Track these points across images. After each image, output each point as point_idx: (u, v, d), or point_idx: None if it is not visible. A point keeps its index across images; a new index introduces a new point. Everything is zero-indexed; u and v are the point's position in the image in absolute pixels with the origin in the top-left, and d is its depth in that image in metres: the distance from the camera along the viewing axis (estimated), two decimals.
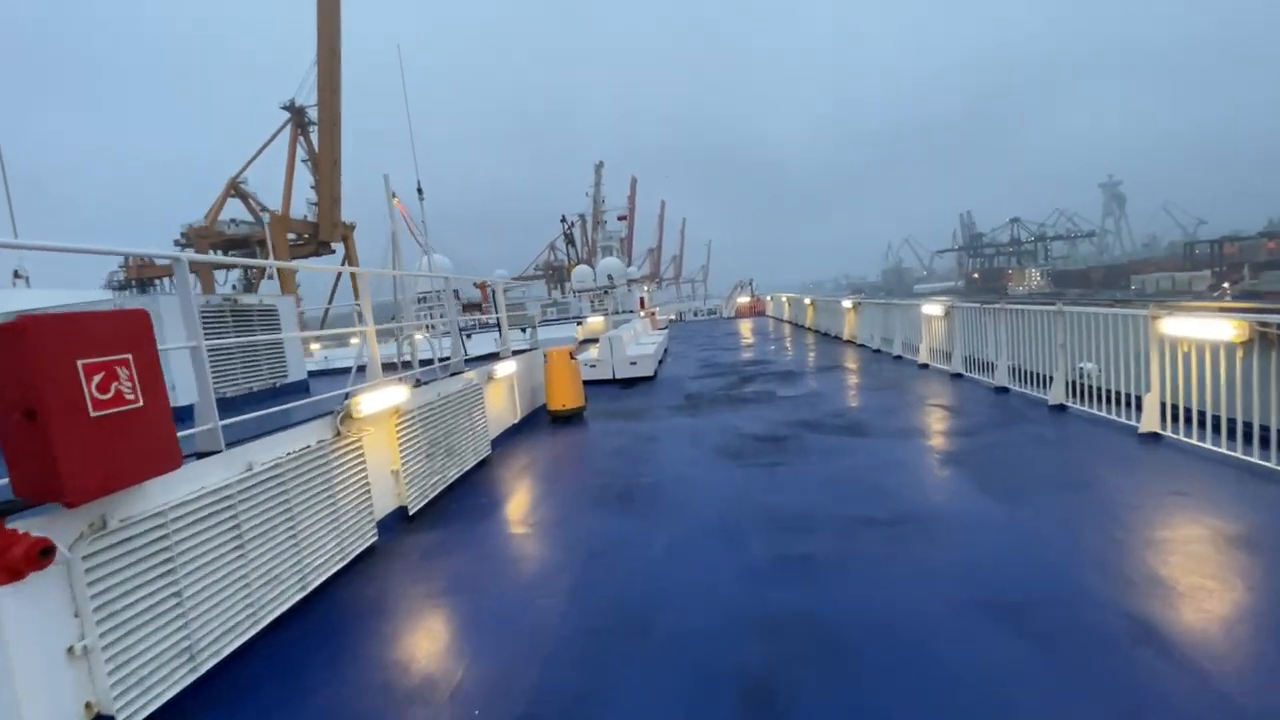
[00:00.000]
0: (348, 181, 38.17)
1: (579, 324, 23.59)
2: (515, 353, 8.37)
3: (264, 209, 39.22)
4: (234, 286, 38.06)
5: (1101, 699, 2.20)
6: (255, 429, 3.52)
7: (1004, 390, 7.59)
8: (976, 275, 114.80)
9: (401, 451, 4.73)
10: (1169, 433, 5.11)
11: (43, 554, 2.07)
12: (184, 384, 5.11)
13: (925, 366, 9.92)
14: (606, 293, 30.44)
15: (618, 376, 11.56)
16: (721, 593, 3.20)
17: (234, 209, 39.54)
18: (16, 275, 9.76)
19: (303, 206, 40.18)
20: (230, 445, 3.22)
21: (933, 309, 9.83)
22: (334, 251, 41.31)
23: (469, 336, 14.36)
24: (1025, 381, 7.32)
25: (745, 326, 24.37)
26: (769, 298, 32.52)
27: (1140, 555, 3.18)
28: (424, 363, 6.24)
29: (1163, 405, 5.20)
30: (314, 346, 15.95)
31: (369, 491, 4.22)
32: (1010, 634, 2.62)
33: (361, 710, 2.54)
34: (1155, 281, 67.60)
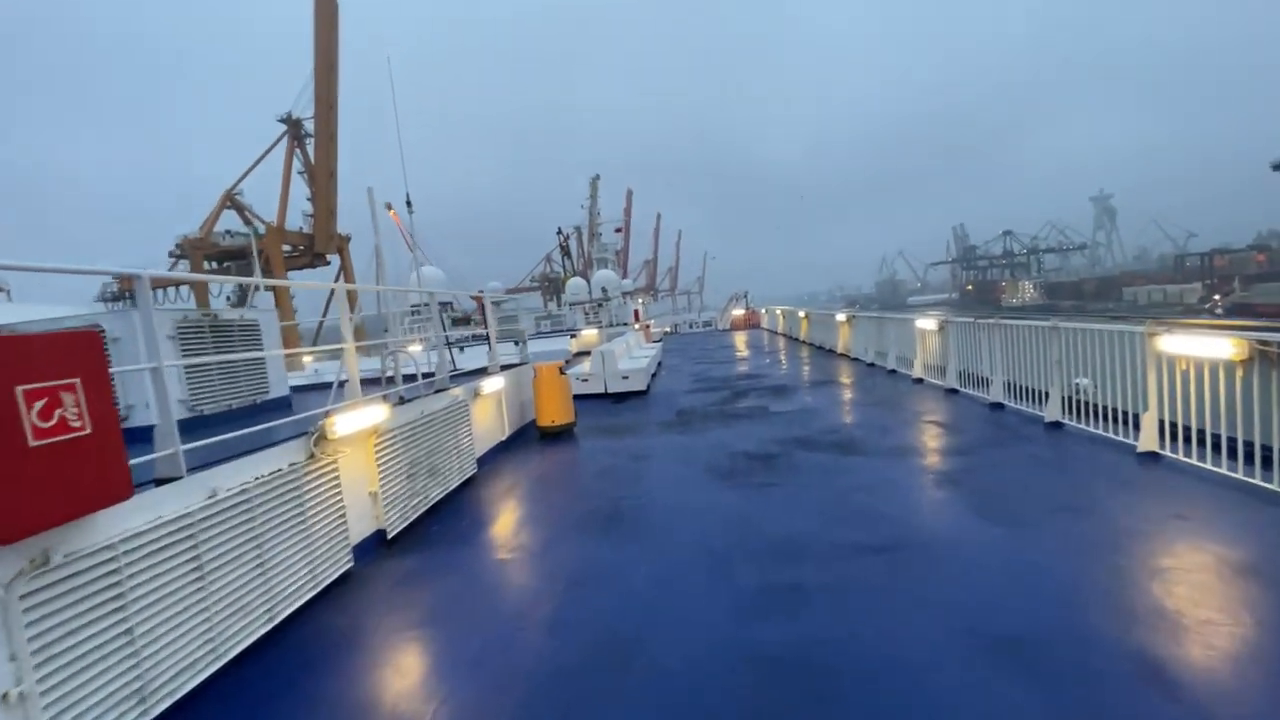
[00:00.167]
0: (343, 193, 38.20)
1: (572, 336, 23.46)
2: (505, 367, 8.24)
3: (256, 219, 39.14)
4: (228, 299, 37.95)
5: None
6: (225, 452, 3.38)
7: (999, 406, 7.49)
8: (970, 287, 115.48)
9: (380, 473, 4.58)
10: (1168, 452, 5.01)
11: None
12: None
13: (920, 381, 9.83)
14: (601, 305, 30.34)
15: (610, 391, 11.43)
16: (707, 627, 3.06)
17: (230, 221, 39.46)
18: None
19: (298, 218, 40.17)
20: (195, 470, 3.08)
21: (927, 324, 9.75)
22: (329, 263, 41.26)
23: (461, 350, 14.22)
24: (1021, 398, 7.23)
25: (740, 339, 24.31)
26: (764, 310, 32.53)
27: (1144, 585, 3.06)
28: (410, 378, 6.10)
29: (1161, 423, 5.10)
30: (306, 359, 15.78)
31: (344, 516, 4.07)
32: (1011, 673, 2.48)
33: None
34: (1147, 294, 67.98)
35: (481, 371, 7.99)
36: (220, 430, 3.45)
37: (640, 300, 36.64)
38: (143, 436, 3.28)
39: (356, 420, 4.18)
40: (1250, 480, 4.18)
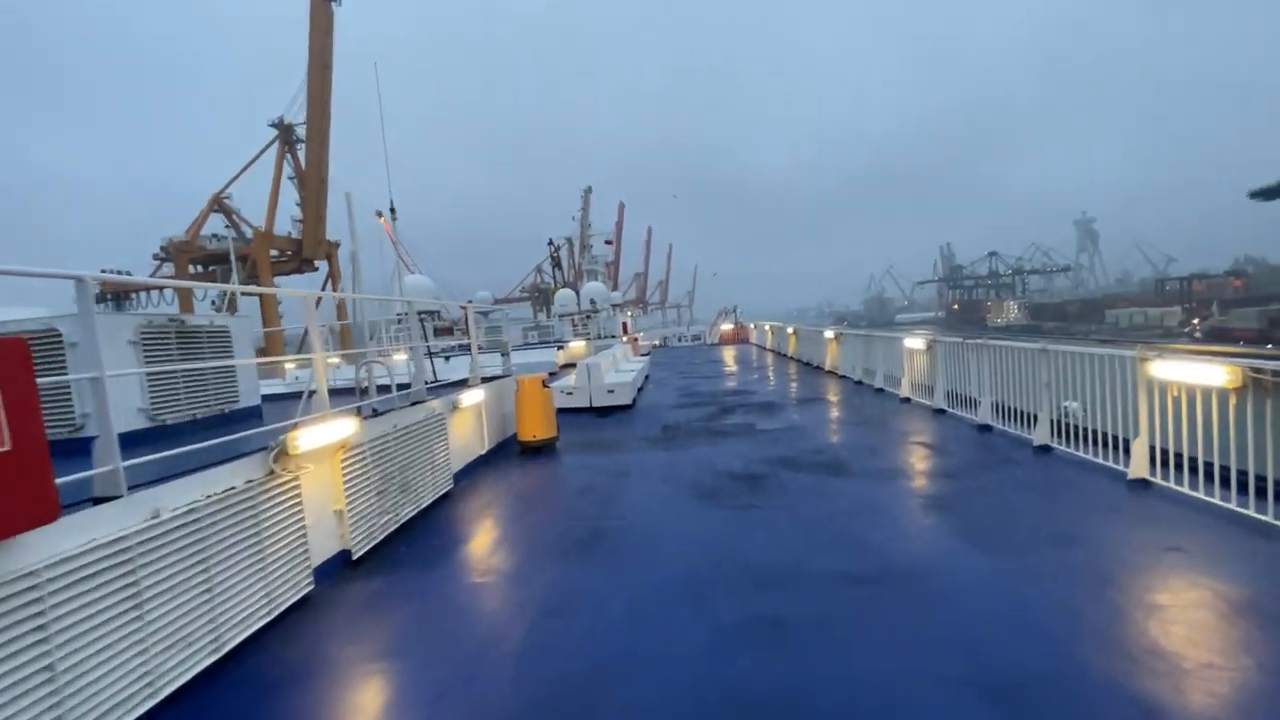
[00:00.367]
0: (332, 199, 37.92)
1: (560, 348, 23.26)
2: (486, 379, 8.04)
3: (244, 223, 38.71)
4: (213, 304, 37.39)
5: None
6: (177, 467, 3.16)
7: (987, 428, 7.40)
8: (956, 306, 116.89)
9: (347, 490, 4.36)
10: (1158, 479, 4.91)
11: None
12: (118, 407, 4.72)
13: (907, 400, 9.75)
14: (590, 317, 30.18)
15: (595, 405, 11.23)
16: (685, 662, 2.87)
17: (218, 225, 38.96)
18: None
19: (287, 223, 39.76)
20: (138, 487, 2.86)
21: (915, 343, 9.69)
22: (316, 269, 40.85)
23: (447, 360, 13.98)
24: (1009, 420, 7.14)
25: (728, 354, 24.23)
26: (753, 325, 32.54)
27: (1141, 625, 2.92)
28: (385, 390, 5.89)
29: (1151, 449, 5.01)
30: (289, 366, 15.45)
31: (305, 536, 3.84)
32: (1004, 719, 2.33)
33: None
34: (1129, 316, 69.07)
35: (462, 383, 7.78)
36: (181, 442, 3.25)
37: (629, 313, 36.55)
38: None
39: (322, 435, 3.97)
40: (1244, 511, 4.08)
